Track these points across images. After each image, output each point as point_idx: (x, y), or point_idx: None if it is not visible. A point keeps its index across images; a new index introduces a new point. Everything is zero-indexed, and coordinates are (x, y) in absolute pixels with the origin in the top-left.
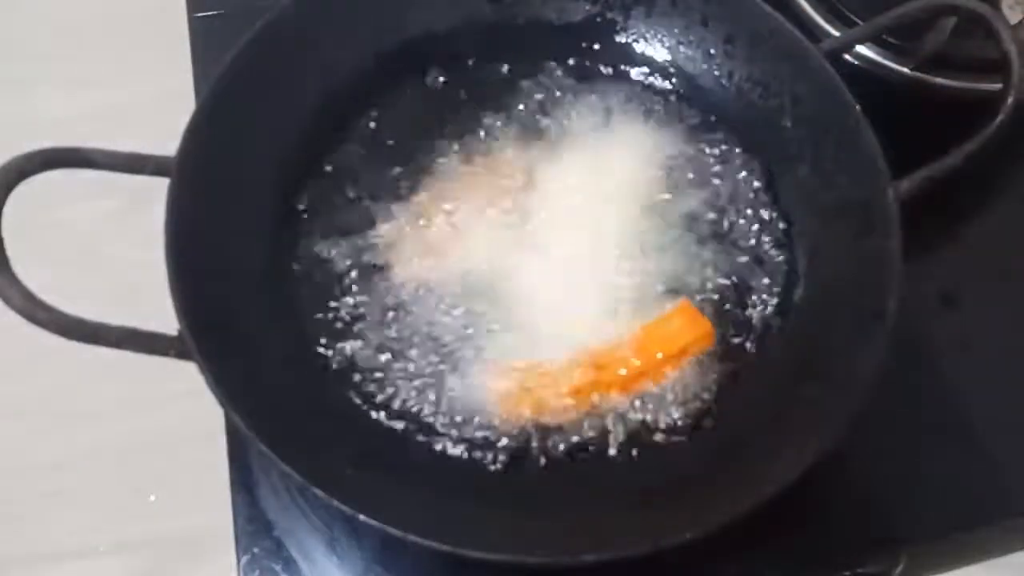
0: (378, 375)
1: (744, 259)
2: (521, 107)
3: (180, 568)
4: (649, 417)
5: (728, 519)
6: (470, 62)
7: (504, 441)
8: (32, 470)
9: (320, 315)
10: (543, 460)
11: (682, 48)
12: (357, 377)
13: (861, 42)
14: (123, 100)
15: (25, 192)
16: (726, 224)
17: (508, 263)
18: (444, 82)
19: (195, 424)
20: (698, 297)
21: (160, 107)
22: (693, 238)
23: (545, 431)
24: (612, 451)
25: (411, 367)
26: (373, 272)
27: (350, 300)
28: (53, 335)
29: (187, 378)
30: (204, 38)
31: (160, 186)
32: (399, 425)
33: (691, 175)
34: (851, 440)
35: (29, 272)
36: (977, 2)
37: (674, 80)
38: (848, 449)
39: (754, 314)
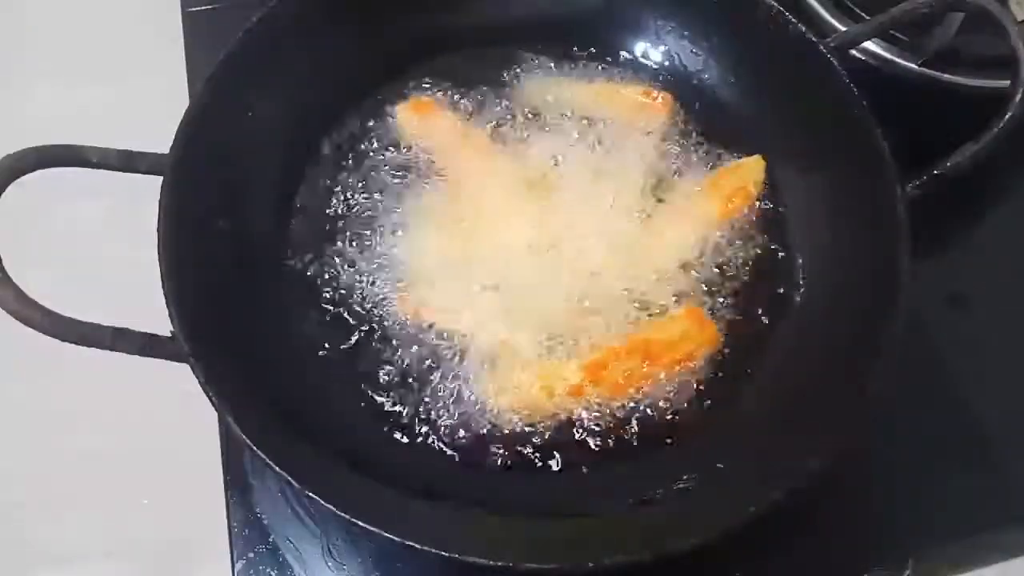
0: (376, 377)
1: (749, 260)
2: (524, 103)
3: (174, 574)
4: (653, 419)
5: (733, 524)
6: (471, 57)
7: (504, 444)
8: (26, 475)
9: (317, 316)
10: (544, 463)
11: (686, 44)
12: (354, 379)
13: (868, 38)
14: (116, 97)
15: (18, 192)
16: (731, 224)
17: (511, 263)
18: (443, 78)
19: (189, 427)
20: (702, 298)
21: (154, 104)
22: (698, 238)
23: (546, 434)
24: (614, 454)
25: (410, 370)
26: (373, 271)
27: (349, 301)
28: (47, 337)
29: (181, 380)
30: (197, 33)
31: (154, 184)
32: (396, 429)
33: (695, 173)
34: (858, 444)
35: (23, 273)
36: None
37: (679, 77)
38: (855, 453)
39: (759, 317)
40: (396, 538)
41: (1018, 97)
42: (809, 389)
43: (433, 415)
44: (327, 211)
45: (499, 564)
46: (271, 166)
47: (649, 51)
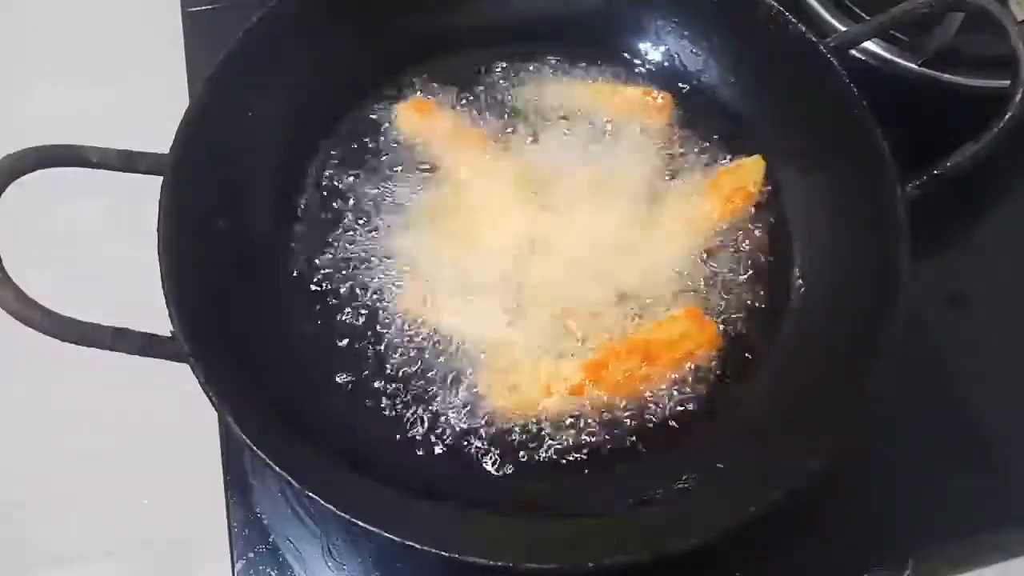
0: (376, 377)
1: (749, 260)
2: (524, 102)
3: (174, 574)
4: (653, 419)
5: (733, 524)
6: (471, 57)
7: (504, 444)
8: (26, 475)
9: (316, 316)
10: (543, 463)
11: (686, 44)
12: (354, 379)
13: (868, 38)
14: (116, 97)
15: (18, 192)
16: (730, 224)
17: (511, 263)
18: (443, 78)
19: (189, 427)
20: (701, 298)
21: (154, 104)
22: (698, 238)
23: (546, 434)
24: (614, 454)
25: (410, 369)
26: (372, 271)
27: (349, 300)
28: (47, 337)
29: (181, 380)
30: (197, 33)
31: (154, 184)
32: (396, 429)
33: (695, 173)
34: (858, 444)
35: (23, 273)
36: None
37: (679, 77)
38: (855, 453)
39: (759, 316)
40: (396, 538)
41: (1018, 97)
42: (809, 389)
43: (433, 415)
44: (327, 211)
45: (499, 564)
46: (271, 166)
47: (649, 51)
